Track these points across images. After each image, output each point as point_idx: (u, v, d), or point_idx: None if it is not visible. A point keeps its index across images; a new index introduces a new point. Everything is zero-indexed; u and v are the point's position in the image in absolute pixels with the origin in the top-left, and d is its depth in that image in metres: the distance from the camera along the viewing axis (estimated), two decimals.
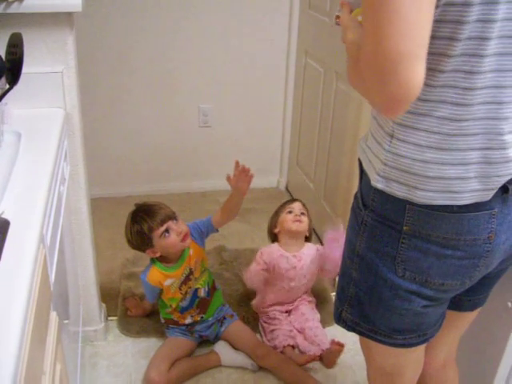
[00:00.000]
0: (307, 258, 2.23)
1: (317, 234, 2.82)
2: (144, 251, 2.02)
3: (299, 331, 2.18)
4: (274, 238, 2.31)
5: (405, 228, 1.03)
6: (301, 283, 2.23)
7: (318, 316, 2.25)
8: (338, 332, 2.22)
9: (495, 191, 0.97)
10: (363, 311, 1.17)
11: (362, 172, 1.12)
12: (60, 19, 1.64)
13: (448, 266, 1.04)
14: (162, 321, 2.15)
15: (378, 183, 1.03)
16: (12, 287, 0.86)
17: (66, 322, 1.52)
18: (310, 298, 2.30)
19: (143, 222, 1.95)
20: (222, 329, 2.14)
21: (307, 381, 1.98)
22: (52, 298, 1.14)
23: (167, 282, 2.02)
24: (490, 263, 1.06)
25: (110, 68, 2.96)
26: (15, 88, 1.39)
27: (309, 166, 2.99)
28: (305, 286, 2.26)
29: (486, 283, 1.20)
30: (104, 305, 2.25)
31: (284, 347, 2.11)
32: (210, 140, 3.27)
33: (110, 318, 2.29)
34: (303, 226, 2.23)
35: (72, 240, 1.91)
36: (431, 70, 0.90)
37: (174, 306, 2.07)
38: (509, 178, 0.97)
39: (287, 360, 2.05)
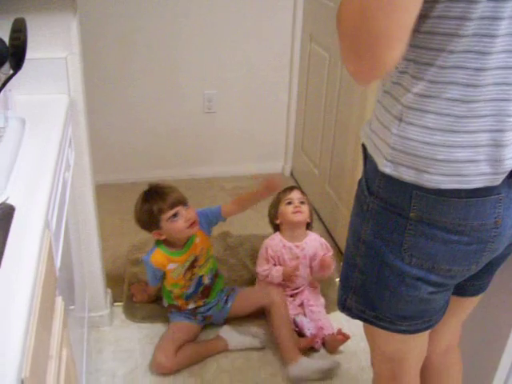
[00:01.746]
0: (310, 248, 2.24)
1: (321, 221, 2.82)
2: (150, 231, 2.03)
3: (303, 314, 2.19)
4: (276, 227, 2.32)
5: (411, 214, 1.02)
6: (305, 272, 2.24)
7: (322, 301, 2.26)
8: (342, 317, 2.22)
9: (505, 175, 0.96)
10: (368, 299, 1.16)
11: (367, 157, 1.11)
12: (63, 4, 1.64)
13: (455, 252, 1.03)
14: (165, 305, 2.16)
15: (385, 168, 1.01)
16: (18, 273, 0.86)
17: (71, 307, 1.52)
18: (315, 284, 2.30)
19: (153, 202, 1.96)
20: (228, 305, 2.16)
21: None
22: (58, 283, 1.15)
23: (170, 266, 2.03)
24: (497, 248, 1.06)
25: (115, 54, 2.95)
26: (19, 74, 1.39)
27: (314, 152, 2.98)
28: (309, 274, 2.27)
29: (490, 268, 1.19)
30: (110, 290, 2.26)
31: None
32: (214, 126, 3.26)
33: (115, 304, 2.30)
34: (304, 216, 2.23)
35: (77, 226, 1.91)
36: (441, 51, 0.89)
37: (176, 292, 2.07)
38: None
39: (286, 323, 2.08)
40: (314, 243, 2.26)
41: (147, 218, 1.98)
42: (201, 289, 2.09)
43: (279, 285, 2.22)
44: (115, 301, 2.31)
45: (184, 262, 2.04)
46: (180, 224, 1.96)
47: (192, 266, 2.05)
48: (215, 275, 2.17)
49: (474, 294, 1.27)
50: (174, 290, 2.08)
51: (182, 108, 3.18)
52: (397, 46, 0.83)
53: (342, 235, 2.58)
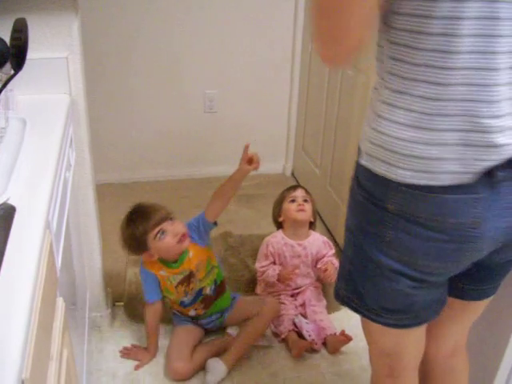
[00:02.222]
0: (312, 247, 2.24)
1: (322, 220, 2.81)
2: (140, 255, 1.96)
3: (304, 316, 2.19)
4: (279, 225, 2.32)
5: (389, 207, 1.03)
6: (306, 271, 2.24)
7: (324, 302, 2.26)
8: (344, 318, 2.23)
9: (478, 175, 0.95)
10: (356, 288, 1.19)
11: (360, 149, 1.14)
12: (65, 4, 1.63)
13: (433, 249, 1.03)
14: (169, 306, 2.14)
15: (362, 160, 1.05)
16: (18, 273, 0.86)
17: (72, 307, 1.52)
18: (317, 284, 2.30)
19: (137, 225, 1.87)
20: (226, 315, 2.13)
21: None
22: (58, 283, 1.14)
23: (161, 272, 1.97)
24: (480, 250, 1.05)
25: (116, 54, 2.95)
26: (20, 74, 1.39)
27: (315, 152, 2.98)
28: (310, 274, 2.27)
29: (491, 273, 1.19)
30: (110, 290, 2.26)
31: (289, 331, 2.11)
32: (215, 126, 3.26)
33: (116, 304, 2.30)
34: (307, 214, 2.23)
35: (78, 226, 1.91)
36: (411, 48, 0.91)
37: (171, 298, 2.04)
38: (493, 163, 0.95)
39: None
40: (317, 242, 2.26)
41: (133, 241, 1.90)
42: (200, 299, 2.04)
43: (281, 288, 2.22)
44: (116, 301, 2.30)
45: (174, 275, 1.97)
46: (168, 240, 1.88)
47: (187, 281, 1.98)
48: (219, 287, 2.08)
49: (476, 298, 1.26)
50: (169, 296, 2.04)
51: (183, 108, 3.18)
52: (357, 34, 0.89)
53: (343, 234, 2.57)
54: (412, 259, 1.06)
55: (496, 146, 0.93)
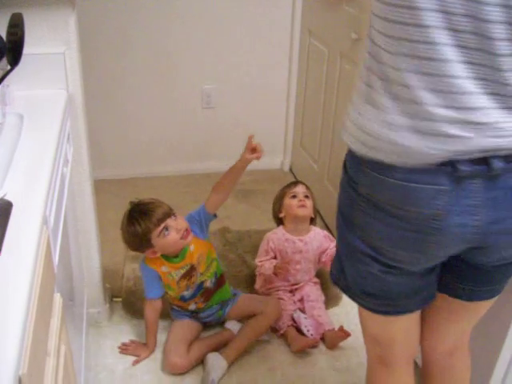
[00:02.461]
0: (313, 242, 2.24)
1: (321, 216, 2.81)
2: (143, 252, 1.96)
3: (303, 311, 2.19)
4: (279, 221, 2.32)
5: (361, 189, 1.06)
6: (307, 266, 2.24)
7: (322, 297, 2.26)
8: (342, 313, 2.24)
9: (435, 165, 0.96)
10: (342, 269, 1.23)
11: None
12: None
13: (397, 237, 1.05)
14: (168, 301, 2.14)
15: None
16: (15, 269, 0.86)
17: (70, 303, 1.52)
18: (316, 280, 2.31)
19: (140, 223, 1.86)
20: (227, 309, 2.14)
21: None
22: (56, 279, 1.14)
23: (163, 269, 1.98)
24: (446, 244, 1.05)
25: (113, 49, 2.94)
26: (17, 69, 1.38)
27: (313, 147, 2.98)
28: (311, 270, 2.27)
29: (487, 275, 1.18)
30: (108, 286, 2.26)
31: (288, 327, 2.12)
32: (213, 121, 3.26)
33: (114, 299, 2.30)
34: (308, 210, 2.23)
35: (76, 222, 1.91)
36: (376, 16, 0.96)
37: (171, 294, 2.04)
38: (449, 154, 0.94)
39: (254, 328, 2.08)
40: (318, 237, 2.27)
41: (136, 239, 1.89)
42: (201, 292, 2.05)
43: (280, 284, 2.22)
44: (114, 296, 2.30)
45: (176, 270, 1.98)
46: (173, 236, 1.88)
47: (189, 275, 1.99)
48: (219, 279, 2.10)
49: (475, 299, 1.24)
50: (169, 292, 2.04)
51: (180, 103, 3.17)
52: None
53: None
54: (379, 244, 1.09)
55: (447, 136, 0.93)
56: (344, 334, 2.08)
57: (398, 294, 1.18)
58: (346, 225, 1.15)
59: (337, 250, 1.26)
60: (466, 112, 0.92)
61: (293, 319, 2.14)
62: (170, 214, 1.90)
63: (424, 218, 1.00)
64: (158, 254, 1.94)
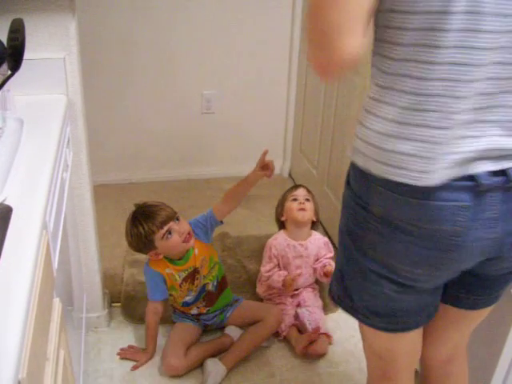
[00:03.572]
0: (314, 248, 2.24)
1: (320, 221, 2.81)
2: (146, 254, 1.97)
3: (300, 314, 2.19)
4: (281, 225, 2.33)
5: (374, 209, 1.03)
6: (307, 272, 2.24)
7: (320, 303, 2.26)
8: (340, 319, 2.24)
9: (456, 181, 0.94)
10: (346, 289, 1.19)
11: None
12: (62, 5, 1.63)
13: (414, 255, 1.03)
14: (171, 304, 2.13)
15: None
16: (15, 274, 0.86)
17: (69, 308, 1.52)
18: (314, 285, 2.31)
19: (144, 225, 1.88)
20: (228, 314, 2.14)
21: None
22: (55, 284, 1.14)
23: (167, 271, 1.99)
24: (463, 259, 1.04)
25: (113, 54, 2.95)
26: (17, 74, 1.38)
27: (312, 153, 2.98)
28: (311, 275, 2.27)
29: (488, 284, 1.18)
30: (107, 291, 2.26)
31: (290, 327, 2.13)
32: (213, 126, 3.26)
33: (113, 305, 2.29)
34: (308, 214, 2.24)
35: (75, 227, 1.91)
36: (391, 44, 0.92)
37: (175, 295, 2.04)
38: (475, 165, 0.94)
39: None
40: (318, 242, 2.27)
41: (140, 241, 1.91)
42: (203, 295, 2.05)
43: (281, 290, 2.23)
44: (113, 302, 2.30)
45: (179, 272, 1.99)
46: (175, 239, 1.91)
47: (192, 277, 2.00)
48: (221, 282, 2.11)
49: (474, 307, 1.24)
50: (173, 293, 2.04)
51: (180, 108, 3.18)
52: (350, 37, 0.87)
53: None
54: (394, 264, 1.06)
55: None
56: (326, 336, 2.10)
57: (407, 312, 1.16)
58: (356, 245, 1.11)
59: (339, 270, 1.21)
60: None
61: (295, 316, 2.15)
62: (173, 217, 1.92)
63: (444, 235, 0.99)
64: (161, 256, 1.96)
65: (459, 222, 0.97)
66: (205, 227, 2.03)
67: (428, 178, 0.94)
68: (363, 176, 1.03)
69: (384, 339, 1.23)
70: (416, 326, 1.21)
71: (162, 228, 1.88)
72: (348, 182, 1.12)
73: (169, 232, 1.89)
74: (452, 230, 0.98)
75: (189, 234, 1.94)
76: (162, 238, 1.89)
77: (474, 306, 1.24)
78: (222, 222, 2.07)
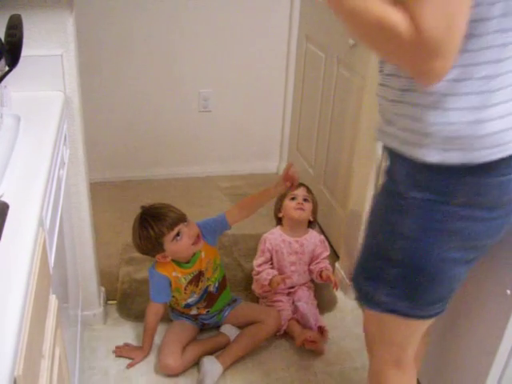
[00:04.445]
0: (309, 245, 2.25)
1: (316, 220, 2.81)
2: (154, 256, 1.95)
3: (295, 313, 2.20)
4: (279, 221, 2.33)
5: (457, 200, 1.06)
6: (302, 269, 2.24)
7: (314, 302, 2.26)
8: (336, 318, 2.24)
9: None
10: (408, 290, 1.18)
11: (394, 157, 1.13)
12: (60, 1, 1.63)
13: (491, 227, 1.11)
14: (169, 304, 2.13)
15: (430, 157, 1.04)
16: (11, 270, 0.86)
17: (65, 305, 1.52)
18: (309, 284, 2.31)
19: (154, 227, 1.86)
20: (226, 313, 2.14)
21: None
22: (51, 281, 1.14)
23: (174, 274, 1.98)
24: None
25: (111, 52, 2.95)
26: (14, 71, 1.38)
27: (309, 152, 2.99)
28: (306, 272, 2.27)
29: None
30: (103, 289, 2.25)
31: (289, 321, 2.14)
32: (210, 125, 3.26)
33: (109, 302, 2.29)
34: (305, 214, 2.24)
35: (71, 224, 1.91)
36: (470, 36, 0.93)
37: (177, 297, 2.03)
38: None
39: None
40: (314, 240, 2.27)
41: (149, 244, 1.89)
42: (204, 297, 2.05)
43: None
44: (109, 299, 2.30)
45: (185, 275, 1.98)
46: (185, 242, 1.89)
47: (197, 280, 2.00)
48: (222, 283, 2.11)
49: None
50: (176, 295, 2.03)
51: (177, 106, 3.17)
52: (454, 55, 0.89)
53: (337, 235, 2.58)
54: (474, 242, 1.12)
55: None
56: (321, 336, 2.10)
57: (452, 292, 1.21)
58: (427, 243, 1.12)
59: (400, 277, 1.18)
60: None
61: (293, 311, 2.17)
62: (183, 219, 1.90)
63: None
64: (169, 259, 1.94)
65: None
66: (213, 229, 2.02)
67: None
68: (446, 172, 1.05)
69: (410, 327, 1.27)
70: (443, 311, 1.24)
71: (172, 230, 1.87)
72: (407, 187, 1.11)
73: (178, 234, 1.88)
74: None
75: (198, 236, 1.93)
76: (172, 240, 1.88)
77: None
78: (230, 227, 2.06)
